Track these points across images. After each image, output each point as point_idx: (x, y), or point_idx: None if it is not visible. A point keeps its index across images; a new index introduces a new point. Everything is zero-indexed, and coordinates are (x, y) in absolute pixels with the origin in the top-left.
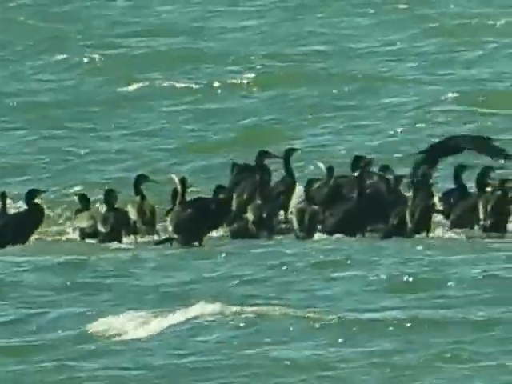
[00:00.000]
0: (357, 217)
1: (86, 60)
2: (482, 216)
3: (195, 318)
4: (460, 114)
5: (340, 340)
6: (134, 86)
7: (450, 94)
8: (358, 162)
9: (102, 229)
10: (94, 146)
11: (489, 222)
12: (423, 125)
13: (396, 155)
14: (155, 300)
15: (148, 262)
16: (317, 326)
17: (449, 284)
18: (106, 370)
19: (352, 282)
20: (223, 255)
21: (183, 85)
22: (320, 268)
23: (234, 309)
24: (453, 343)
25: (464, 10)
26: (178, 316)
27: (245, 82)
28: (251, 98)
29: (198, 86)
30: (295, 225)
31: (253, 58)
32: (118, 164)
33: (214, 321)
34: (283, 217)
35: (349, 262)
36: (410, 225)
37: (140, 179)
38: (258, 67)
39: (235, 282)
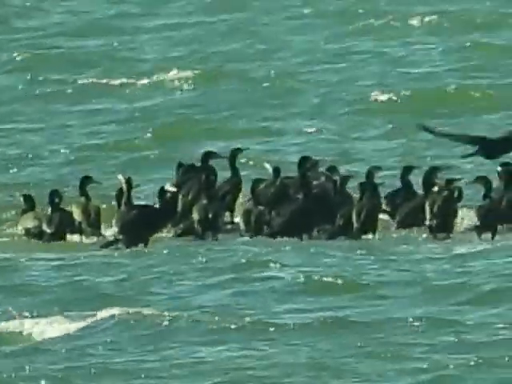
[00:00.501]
0: (303, 217)
1: (12, 59)
2: (428, 216)
3: (113, 318)
4: (388, 112)
5: (258, 341)
6: (61, 85)
7: (378, 93)
8: (304, 162)
9: (46, 229)
10: (24, 145)
11: (435, 222)
12: (352, 124)
13: (324, 155)
14: (75, 301)
15: (76, 262)
16: (236, 326)
17: (372, 284)
18: (19, 371)
19: (276, 283)
20: (156, 255)
21: (109, 83)
22: (246, 269)
23: (153, 310)
24: (378, 343)
25: (394, 8)
26: (95, 317)
27: (168, 79)
28: (175, 95)
29: (123, 84)
30: (242, 225)
31: (177, 56)
32: (47, 164)
33: (130, 322)
34: (229, 217)
35: (278, 262)
36: (356, 225)
37: (85, 180)
38: (182, 65)
39: (159, 282)
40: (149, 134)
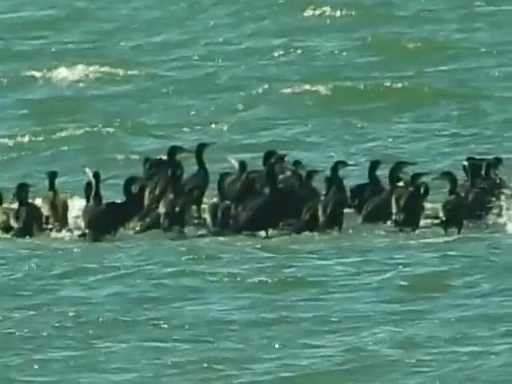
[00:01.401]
0: (269, 212)
1: None
2: (394, 211)
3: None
4: (306, 107)
5: (191, 335)
6: None
7: (295, 87)
8: (269, 157)
9: (14, 224)
10: None
11: (401, 216)
12: (269, 118)
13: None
14: None
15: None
16: (175, 321)
17: (313, 281)
18: None
19: (217, 279)
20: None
21: (29, 75)
22: (190, 263)
23: (77, 300)
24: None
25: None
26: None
27: (90, 72)
28: (99, 89)
29: (44, 77)
30: (208, 220)
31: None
32: None
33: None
34: (197, 212)
35: (224, 258)
36: (322, 219)
37: (52, 175)
38: (102, 59)
39: (96, 273)
40: (73, 126)
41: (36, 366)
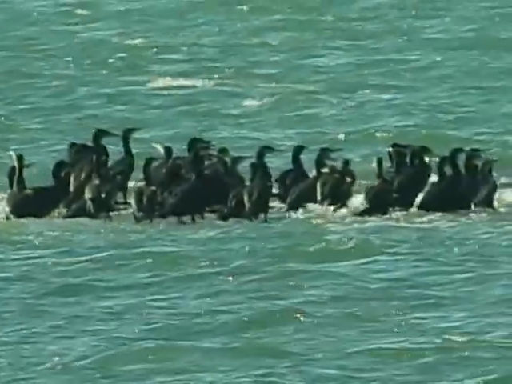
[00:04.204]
0: (195, 198)
1: None
2: (319, 198)
3: None
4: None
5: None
6: None
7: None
8: (194, 143)
9: None
10: None
11: (326, 203)
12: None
13: None
14: None
15: None
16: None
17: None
18: None
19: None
20: None
21: None
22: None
23: None
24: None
25: None
26: None
27: None
28: None
29: None
30: (134, 206)
31: None
32: None
33: None
34: (123, 197)
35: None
36: (248, 206)
37: None
38: None
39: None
40: None
41: None
